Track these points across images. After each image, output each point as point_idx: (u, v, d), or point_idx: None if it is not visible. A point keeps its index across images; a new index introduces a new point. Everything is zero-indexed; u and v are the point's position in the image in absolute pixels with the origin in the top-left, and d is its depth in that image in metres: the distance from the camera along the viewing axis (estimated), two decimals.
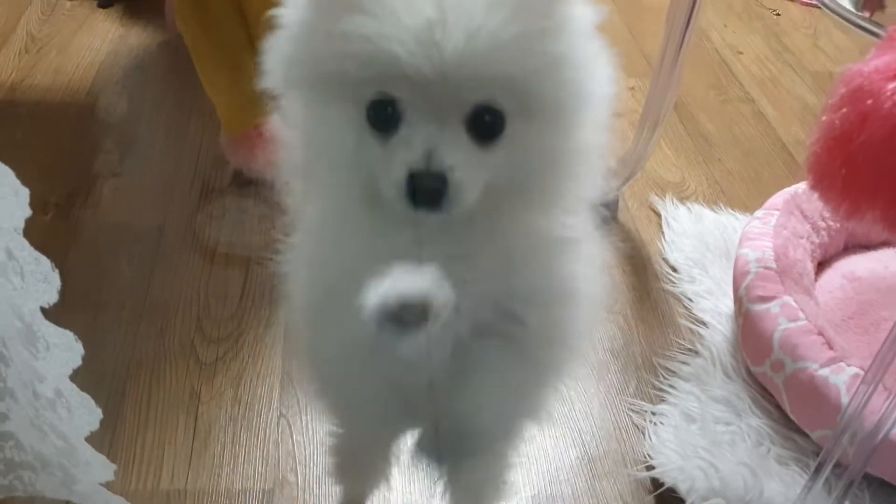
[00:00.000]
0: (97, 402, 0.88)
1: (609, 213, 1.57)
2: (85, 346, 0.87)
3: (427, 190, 0.60)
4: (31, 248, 0.73)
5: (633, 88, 1.94)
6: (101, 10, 2.04)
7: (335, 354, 0.72)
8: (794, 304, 1.14)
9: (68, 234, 1.39)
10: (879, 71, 0.65)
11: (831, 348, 1.08)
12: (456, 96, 0.59)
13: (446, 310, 0.61)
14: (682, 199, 1.62)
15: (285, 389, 1.18)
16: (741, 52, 2.18)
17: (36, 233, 1.32)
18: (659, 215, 1.59)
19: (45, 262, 0.74)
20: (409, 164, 0.60)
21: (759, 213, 1.36)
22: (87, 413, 0.81)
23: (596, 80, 0.64)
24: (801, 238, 1.30)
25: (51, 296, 0.74)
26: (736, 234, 1.46)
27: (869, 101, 0.65)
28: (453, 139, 0.60)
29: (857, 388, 0.90)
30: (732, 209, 1.60)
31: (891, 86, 0.63)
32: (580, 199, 0.70)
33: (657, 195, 1.63)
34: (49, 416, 0.76)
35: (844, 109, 0.68)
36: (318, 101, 0.63)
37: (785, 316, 1.13)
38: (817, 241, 1.33)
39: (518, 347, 0.70)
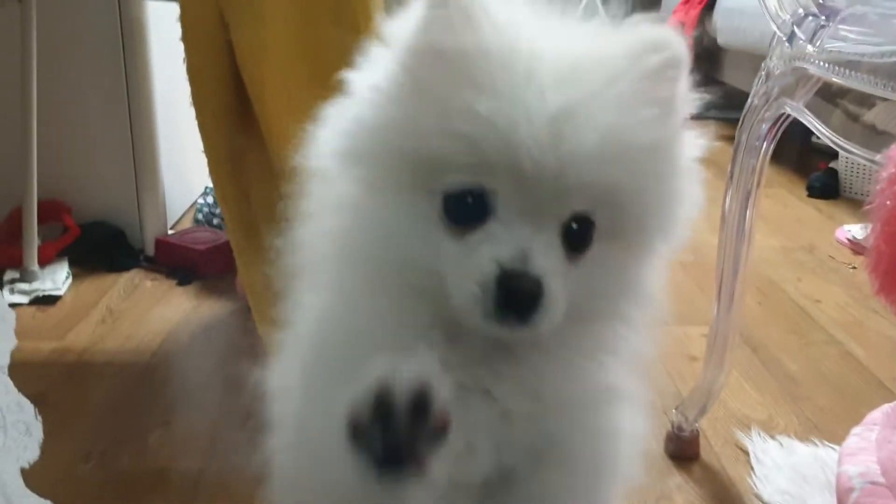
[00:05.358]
0: None
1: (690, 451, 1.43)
2: None
3: (521, 294, 0.52)
4: (15, 391, 0.68)
5: (704, 335, 1.87)
6: (179, 287, 2.13)
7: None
8: None
9: (106, 481, 1.33)
10: None
11: None
12: (562, 199, 0.53)
13: (449, 421, 0.49)
14: (772, 435, 1.47)
15: None
16: (819, 301, 2.10)
17: (71, 481, 1.29)
18: (746, 452, 1.43)
19: (29, 408, 0.68)
20: (500, 261, 0.52)
21: (856, 429, 1.21)
22: None
23: (683, 215, 0.60)
24: None
25: (32, 452, 0.67)
26: None
27: None
28: (548, 244, 0.54)
29: None
30: (829, 443, 1.43)
31: None
32: (633, 350, 0.63)
33: (743, 433, 1.49)
34: None
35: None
36: (382, 184, 0.57)
37: None
38: None
39: None
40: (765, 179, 1.30)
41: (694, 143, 0.60)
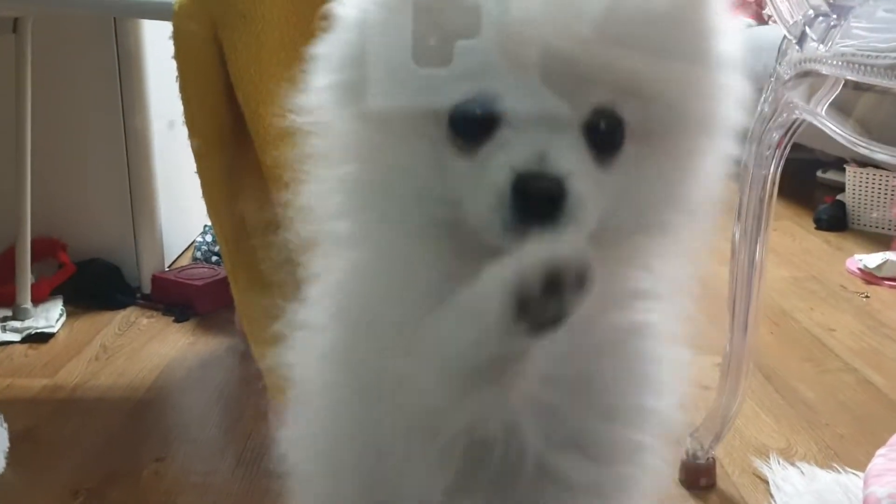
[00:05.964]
0: None
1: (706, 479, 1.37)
2: None
3: (541, 193, 0.47)
4: None
5: (716, 364, 1.82)
6: (175, 324, 2.08)
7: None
8: None
9: None
10: None
11: None
12: (577, 90, 0.48)
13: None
14: (792, 462, 1.41)
15: None
16: (833, 329, 2.05)
17: None
18: (765, 481, 1.37)
19: None
20: (514, 165, 0.47)
21: (882, 450, 1.16)
22: None
23: (725, 111, 0.54)
24: None
25: None
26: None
27: None
28: (569, 145, 0.48)
29: None
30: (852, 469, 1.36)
31: None
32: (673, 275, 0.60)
33: (761, 461, 1.42)
34: None
35: None
36: (382, 119, 0.53)
37: None
38: None
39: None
40: (774, 204, 1.26)
41: (732, 33, 0.54)
